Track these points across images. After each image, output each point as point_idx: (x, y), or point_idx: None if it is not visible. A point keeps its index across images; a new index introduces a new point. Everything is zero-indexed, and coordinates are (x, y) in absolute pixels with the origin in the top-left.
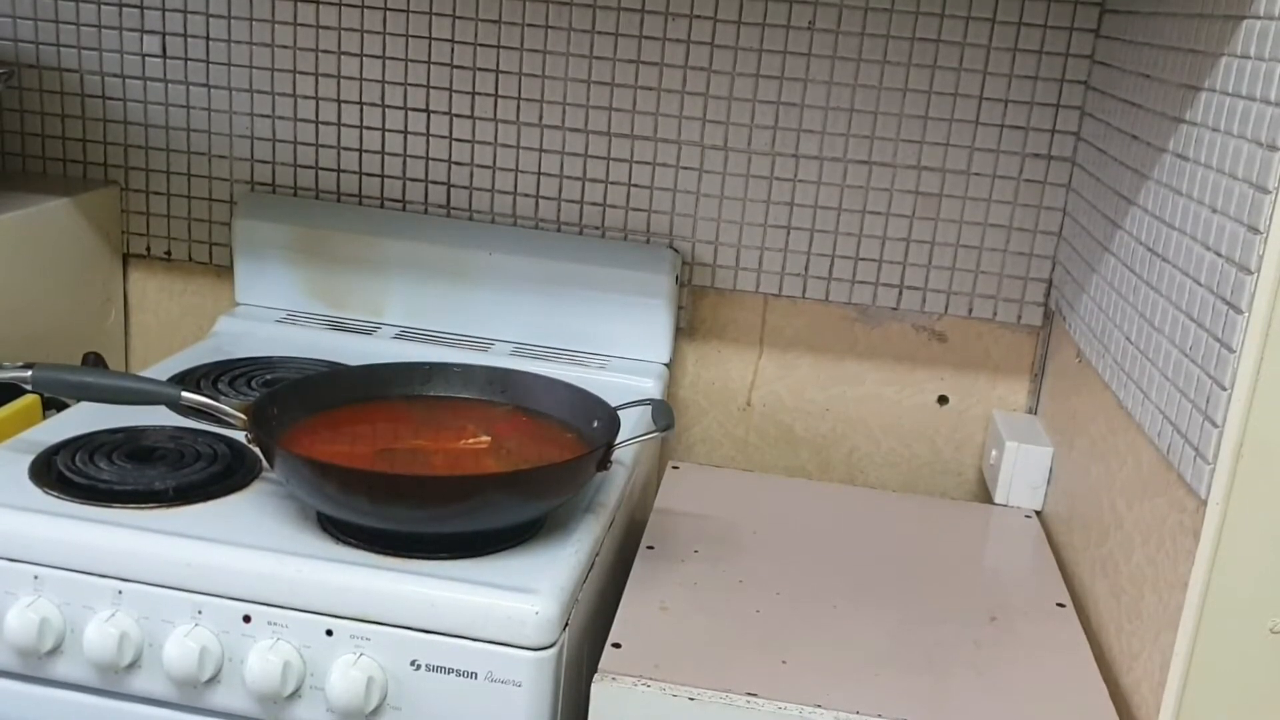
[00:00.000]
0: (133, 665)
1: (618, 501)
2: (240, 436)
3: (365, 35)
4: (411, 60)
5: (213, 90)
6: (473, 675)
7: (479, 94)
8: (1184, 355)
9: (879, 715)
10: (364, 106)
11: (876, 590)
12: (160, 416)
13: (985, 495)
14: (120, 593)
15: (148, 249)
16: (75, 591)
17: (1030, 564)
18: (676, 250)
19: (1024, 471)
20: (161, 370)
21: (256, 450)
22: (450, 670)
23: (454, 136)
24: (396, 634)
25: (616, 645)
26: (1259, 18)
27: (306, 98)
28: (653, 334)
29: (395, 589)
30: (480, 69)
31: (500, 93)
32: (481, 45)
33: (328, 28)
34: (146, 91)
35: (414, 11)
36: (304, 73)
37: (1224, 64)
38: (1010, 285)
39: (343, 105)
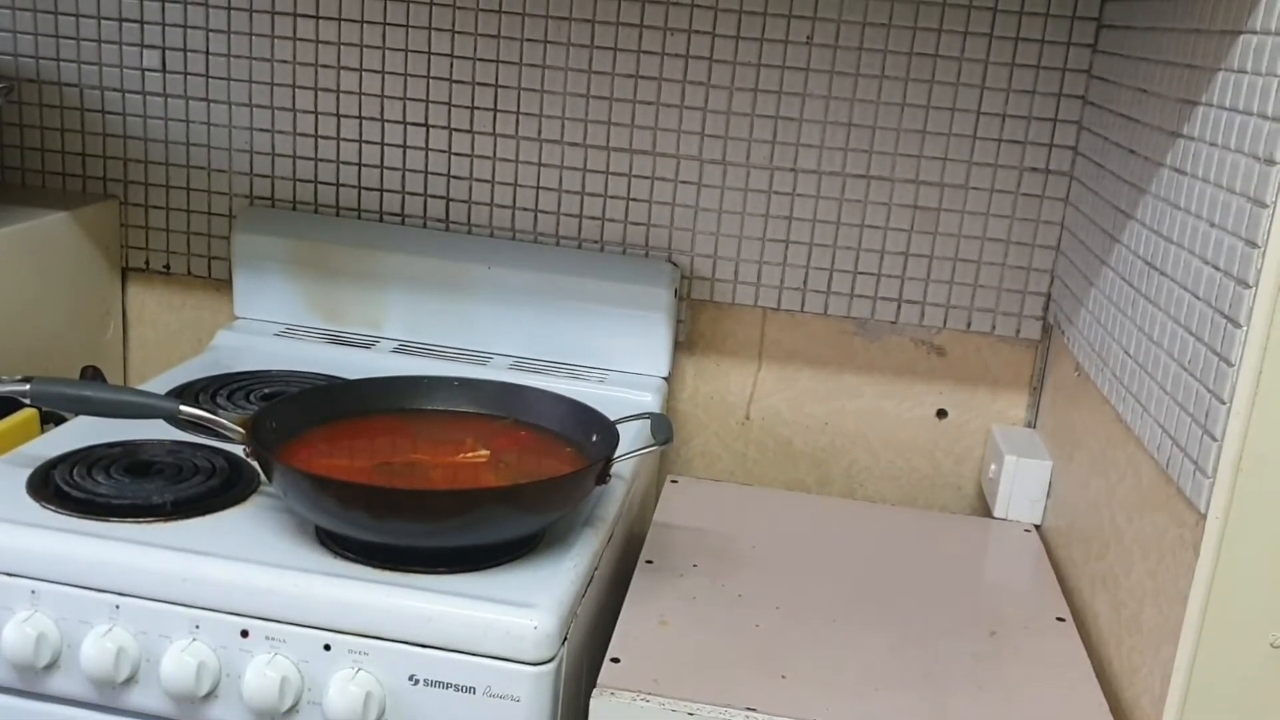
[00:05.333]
0: (130, 680)
1: (616, 515)
2: (238, 450)
3: (365, 50)
4: (411, 75)
5: (212, 105)
6: (471, 690)
7: (478, 108)
8: (1183, 369)
9: None
10: (363, 121)
11: (876, 604)
12: (158, 430)
13: (984, 509)
14: (117, 607)
15: (147, 263)
16: (72, 606)
17: (1030, 578)
18: (675, 264)
19: (1023, 485)
20: (160, 384)
21: (255, 464)
22: (449, 685)
23: (453, 151)
24: (395, 649)
25: (615, 660)
26: (1255, 33)
27: (306, 112)
28: (652, 348)
29: (393, 603)
30: (479, 84)
31: (499, 107)
32: (481, 60)
33: (327, 43)
34: (146, 106)
35: (413, 26)
36: (303, 87)
37: (1221, 79)
38: (1009, 299)
39: (342, 120)
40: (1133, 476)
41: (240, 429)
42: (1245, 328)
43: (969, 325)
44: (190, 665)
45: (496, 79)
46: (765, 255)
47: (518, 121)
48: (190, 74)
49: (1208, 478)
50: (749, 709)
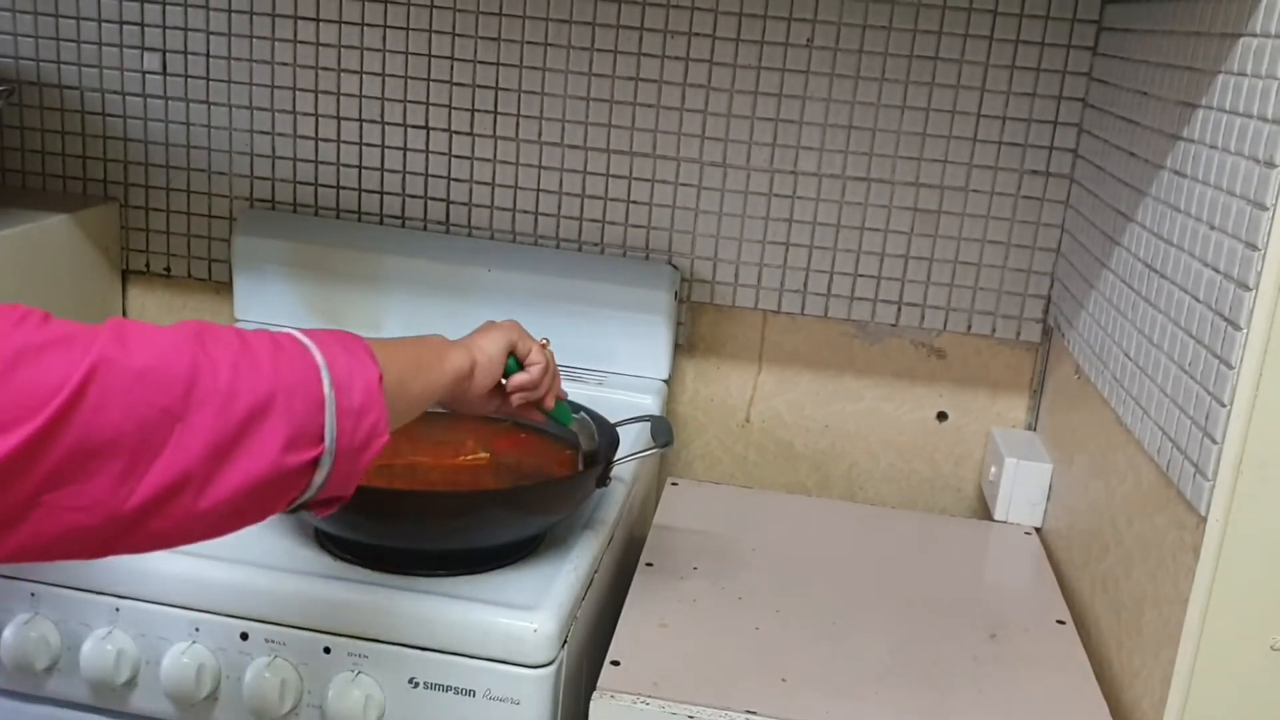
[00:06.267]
0: (129, 683)
1: (617, 518)
2: None
3: (365, 52)
4: (411, 77)
5: (213, 107)
6: (471, 693)
7: (479, 111)
8: (1183, 371)
9: None
10: (364, 123)
11: (876, 607)
12: None
13: (985, 512)
14: (117, 610)
15: (147, 265)
16: (72, 609)
17: (1030, 581)
18: (675, 266)
19: (1023, 488)
20: None
21: None
22: (449, 688)
23: (453, 153)
24: (395, 651)
25: (615, 663)
26: (1255, 35)
27: (306, 114)
28: (652, 350)
29: (393, 606)
30: (480, 86)
31: (500, 110)
32: (481, 63)
33: (328, 45)
34: (147, 108)
35: (414, 29)
36: (304, 90)
37: (1221, 81)
38: (1009, 301)
39: (343, 122)
40: (1133, 479)
41: None
42: (1245, 330)
43: (969, 328)
44: (190, 668)
45: (496, 82)
46: (765, 258)
47: (518, 124)
48: (190, 77)
49: (1208, 480)
50: (749, 711)
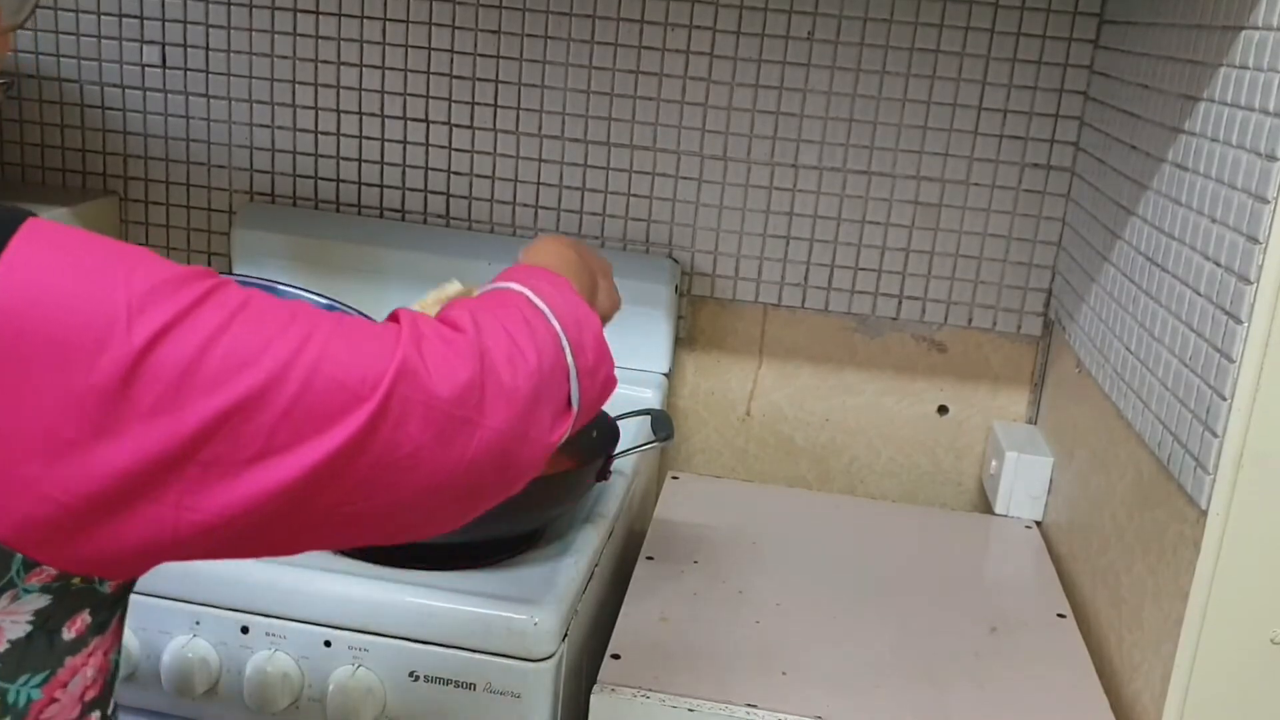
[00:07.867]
0: (130, 677)
1: (617, 512)
2: None
3: (365, 45)
4: (411, 70)
5: (212, 100)
6: (471, 686)
7: (479, 104)
8: (1184, 365)
9: None
10: (363, 116)
11: (877, 601)
12: None
13: (985, 505)
14: None
15: None
16: None
17: (1030, 574)
18: (676, 260)
19: (1024, 482)
20: None
21: None
22: (449, 681)
23: (453, 146)
24: (395, 645)
25: (616, 656)
26: (1257, 28)
27: (306, 108)
28: (652, 344)
29: (394, 600)
30: (480, 79)
31: (500, 103)
32: (481, 55)
33: (327, 38)
34: (146, 101)
35: (414, 22)
36: (303, 83)
37: (1222, 74)
38: (1010, 295)
39: (342, 115)
40: (1133, 473)
41: None
42: (1246, 324)
43: (970, 321)
44: (191, 661)
45: (497, 75)
46: (766, 251)
47: (518, 117)
48: (190, 70)
49: (1209, 474)
50: (749, 705)
